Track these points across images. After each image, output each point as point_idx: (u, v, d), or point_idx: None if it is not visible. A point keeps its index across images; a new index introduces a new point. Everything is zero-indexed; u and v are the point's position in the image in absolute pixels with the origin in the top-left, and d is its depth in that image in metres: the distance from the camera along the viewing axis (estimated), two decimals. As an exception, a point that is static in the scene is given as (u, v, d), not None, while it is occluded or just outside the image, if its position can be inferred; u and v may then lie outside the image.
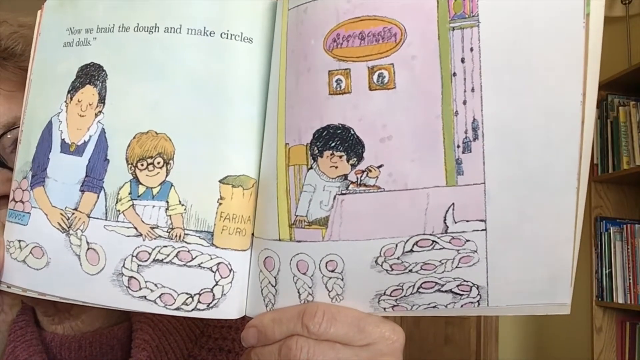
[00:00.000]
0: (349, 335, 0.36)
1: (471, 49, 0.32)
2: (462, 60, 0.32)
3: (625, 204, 2.35)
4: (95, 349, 0.53)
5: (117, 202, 0.39)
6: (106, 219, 0.39)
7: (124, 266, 0.39)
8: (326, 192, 0.35)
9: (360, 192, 0.34)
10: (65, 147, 0.40)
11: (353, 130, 0.34)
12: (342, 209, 0.35)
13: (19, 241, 0.41)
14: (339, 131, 0.34)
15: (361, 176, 0.34)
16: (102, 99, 0.39)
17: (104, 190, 0.39)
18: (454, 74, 0.32)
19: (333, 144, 0.34)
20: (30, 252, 0.40)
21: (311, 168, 0.36)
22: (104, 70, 0.40)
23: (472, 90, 0.32)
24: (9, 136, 0.50)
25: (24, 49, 0.52)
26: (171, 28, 0.39)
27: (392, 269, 0.35)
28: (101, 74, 0.40)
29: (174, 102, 0.39)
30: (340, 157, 0.34)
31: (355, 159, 0.34)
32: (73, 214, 0.39)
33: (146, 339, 0.53)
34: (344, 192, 0.35)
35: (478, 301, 0.35)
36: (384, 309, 0.37)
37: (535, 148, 0.32)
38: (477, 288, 0.35)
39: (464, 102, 0.32)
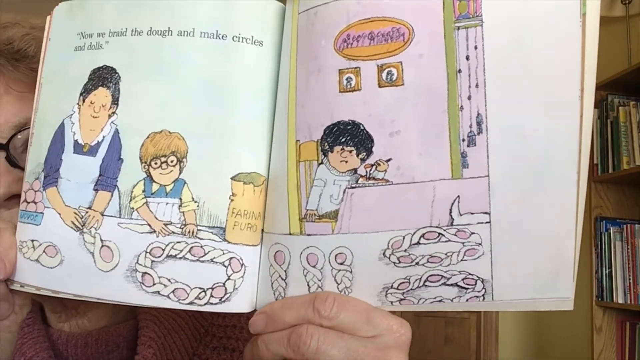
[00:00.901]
0: (357, 324, 0.37)
1: (475, 47, 0.33)
2: (467, 58, 0.33)
3: (625, 204, 2.36)
4: (101, 346, 0.53)
5: (130, 200, 0.40)
6: (120, 217, 0.40)
7: (137, 262, 0.40)
8: (336, 186, 0.36)
9: (369, 185, 0.36)
10: (78, 148, 0.41)
11: (363, 126, 0.35)
12: (351, 202, 0.36)
13: (32, 241, 0.42)
14: (349, 127, 0.36)
15: (370, 170, 0.36)
16: (115, 101, 0.41)
17: (118, 188, 0.40)
18: (459, 71, 0.34)
19: (343, 139, 0.36)
20: (44, 251, 0.41)
21: (322, 163, 0.37)
22: (117, 73, 0.41)
23: (477, 86, 0.34)
24: (19, 136, 0.51)
25: (36, 51, 0.52)
26: (184, 31, 0.40)
27: (400, 262, 0.36)
28: (114, 76, 0.41)
29: (187, 102, 0.40)
30: (350, 151, 0.36)
31: (364, 154, 0.36)
32: (87, 212, 0.40)
33: (152, 336, 0.54)
34: (353, 185, 0.36)
35: (483, 295, 0.36)
36: (391, 302, 0.38)
37: (536, 142, 0.34)
38: (482, 282, 0.36)
39: (469, 98, 0.34)
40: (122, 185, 0.40)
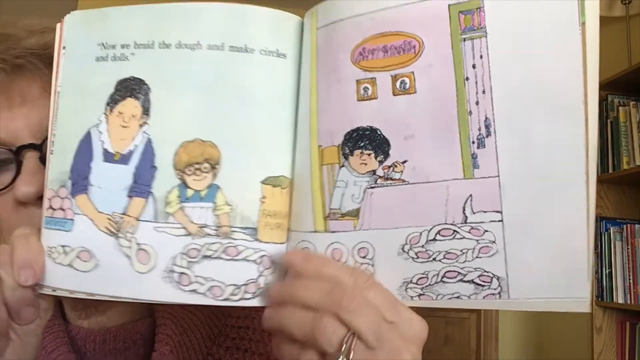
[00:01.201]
0: (383, 306, 0.39)
1: (481, 57, 0.36)
2: (474, 66, 0.36)
3: (625, 204, 2.36)
4: (118, 343, 0.55)
5: (166, 205, 0.43)
6: (156, 221, 0.43)
7: (174, 263, 0.42)
8: (357, 187, 0.40)
9: (387, 185, 0.39)
10: (109, 157, 0.44)
11: (380, 131, 0.39)
12: (371, 201, 0.39)
13: (63, 246, 0.44)
14: (367, 132, 0.39)
15: (388, 171, 0.39)
16: (146, 111, 0.43)
17: (152, 195, 0.43)
18: (467, 79, 0.37)
19: (362, 144, 0.39)
20: (77, 256, 0.43)
21: (343, 166, 0.40)
22: (146, 84, 0.43)
23: (483, 92, 0.36)
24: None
25: None
26: (214, 45, 0.42)
27: (418, 257, 0.39)
28: (143, 87, 0.43)
29: (219, 112, 0.43)
30: (369, 154, 0.39)
31: (382, 156, 0.39)
32: (122, 218, 0.43)
33: (169, 334, 0.56)
34: (372, 185, 0.39)
35: (499, 292, 0.39)
36: (411, 297, 0.40)
37: (543, 144, 0.36)
38: (498, 279, 0.38)
39: (477, 103, 0.37)
40: (157, 191, 0.42)
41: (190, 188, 0.42)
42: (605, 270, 2.28)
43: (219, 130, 0.43)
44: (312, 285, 0.40)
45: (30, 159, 0.52)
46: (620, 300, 2.23)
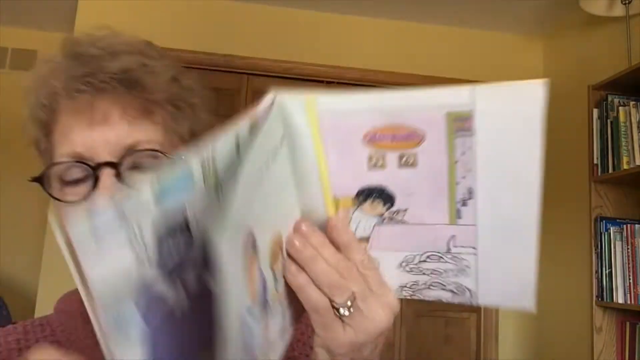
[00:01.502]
0: (373, 284, 0.48)
1: (469, 148, 0.46)
2: (462, 154, 0.47)
3: (625, 204, 2.40)
4: None
5: (272, 299, 0.48)
6: (273, 317, 0.48)
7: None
8: (368, 223, 0.51)
9: (391, 224, 0.51)
10: (251, 312, 0.44)
11: (388, 189, 0.49)
12: (379, 233, 0.51)
13: None
14: (377, 189, 0.50)
15: (393, 215, 0.50)
16: (256, 252, 0.44)
17: (268, 302, 0.47)
18: (457, 162, 0.47)
19: (373, 196, 0.50)
20: None
21: (357, 209, 0.51)
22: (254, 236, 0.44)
23: (469, 170, 0.47)
24: (129, 158, 0.58)
25: (151, 82, 0.60)
26: (273, 151, 0.45)
27: (412, 271, 0.52)
28: (254, 242, 0.43)
29: (279, 204, 0.48)
30: (379, 203, 0.50)
31: (389, 205, 0.50)
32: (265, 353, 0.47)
33: None
34: (379, 224, 0.51)
35: (470, 300, 0.52)
36: (405, 295, 0.53)
37: (508, 209, 0.48)
38: (470, 291, 0.52)
39: (463, 177, 0.48)
40: (270, 297, 0.47)
41: (277, 279, 0.48)
42: (605, 270, 2.32)
43: (279, 217, 0.48)
44: (334, 251, 0.48)
45: (107, 175, 0.56)
46: (620, 300, 2.27)
